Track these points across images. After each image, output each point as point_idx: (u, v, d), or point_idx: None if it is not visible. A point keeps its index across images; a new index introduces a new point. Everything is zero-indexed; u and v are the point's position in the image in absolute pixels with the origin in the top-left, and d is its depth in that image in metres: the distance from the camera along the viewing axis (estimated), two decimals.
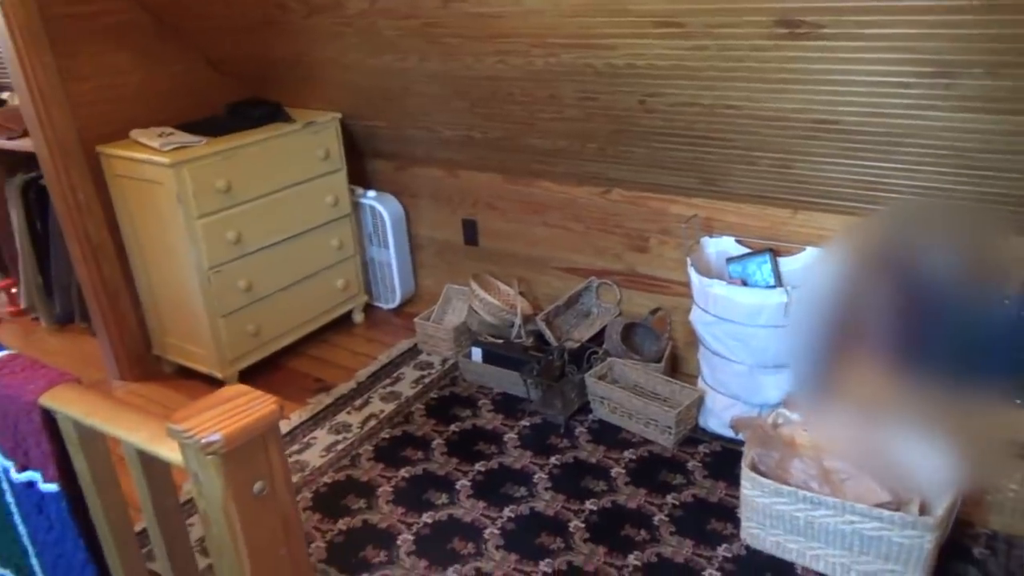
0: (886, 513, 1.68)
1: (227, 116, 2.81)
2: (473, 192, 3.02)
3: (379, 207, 3.10)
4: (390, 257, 3.17)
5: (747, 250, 2.41)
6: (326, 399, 2.67)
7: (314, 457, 2.36)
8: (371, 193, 3.13)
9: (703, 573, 1.84)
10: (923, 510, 1.79)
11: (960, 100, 1.74)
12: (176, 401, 2.74)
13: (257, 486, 0.91)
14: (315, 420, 2.55)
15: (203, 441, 0.86)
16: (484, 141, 2.76)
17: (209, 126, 2.68)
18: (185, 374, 2.85)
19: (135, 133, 2.60)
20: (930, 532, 1.65)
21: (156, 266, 2.67)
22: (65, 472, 1.16)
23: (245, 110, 2.80)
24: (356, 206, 3.11)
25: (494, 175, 2.93)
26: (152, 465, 1.09)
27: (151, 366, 2.89)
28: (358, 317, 3.21)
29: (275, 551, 0.94)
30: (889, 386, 1.94)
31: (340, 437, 2.45)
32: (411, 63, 2.47)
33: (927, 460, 1.84)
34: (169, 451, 0.95)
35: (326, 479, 2.26)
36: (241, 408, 0.91)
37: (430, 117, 2.76)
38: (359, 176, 3.23)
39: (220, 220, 2.55)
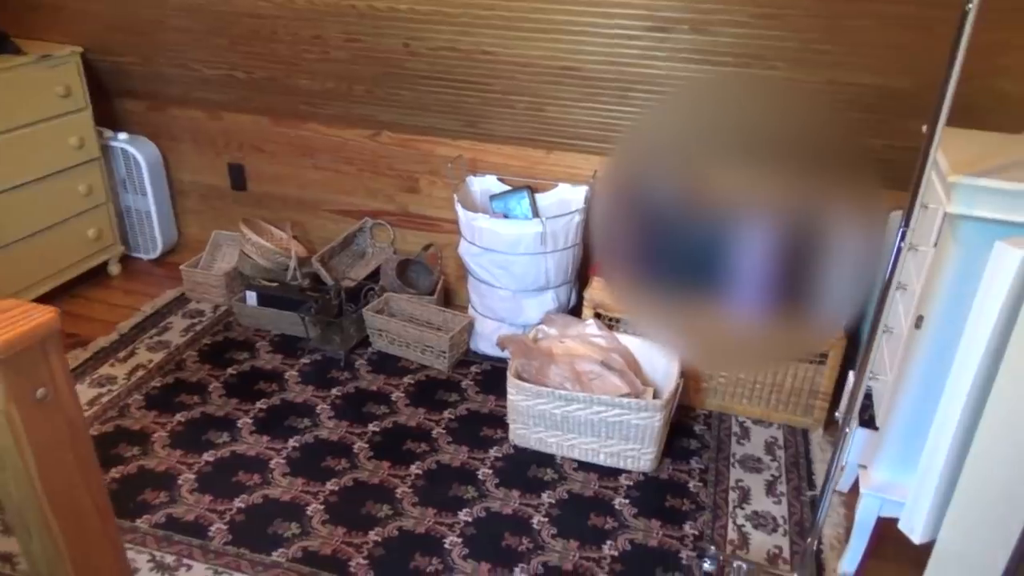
0: (625, 400, 2.00)
1: None
2: (239, 135, 2.94)
3: (132, 151, 2.90)
4: (148, 204, 2.99)
5: (508, 187, 2.64)
6: (83, 354, 2.50)
7: None
8: (123, 135, 2.92)
9: (477, 472, 2.06)
10: (655, 398, 2.14)
11: (672, 52, 2.06)
12: None
13: (40, 392, 0.92)
14: (72, 376, 2.38)
15: None
16: (248, 81, 2.69)
17: None
18: None
19: None
20: (659, 412, 1.99)
21: None
22: None
23: None
24: (106, 150, 2.88)
25: (260, 117, 2.88)
26: None
27: None
28: (115, 269, 3.00)
29: (62, 455, 0.95)
30: (634, 291, 2.33)
31: (104, 390, 2.33)
32: None
33: (659, 353, 2.21)
34: None
35: (92, 432, 2.15)
36: (17, 318, 0.91)
37: (186, 54, 2.64)
38: (108, 118, 2.99)
39: None
